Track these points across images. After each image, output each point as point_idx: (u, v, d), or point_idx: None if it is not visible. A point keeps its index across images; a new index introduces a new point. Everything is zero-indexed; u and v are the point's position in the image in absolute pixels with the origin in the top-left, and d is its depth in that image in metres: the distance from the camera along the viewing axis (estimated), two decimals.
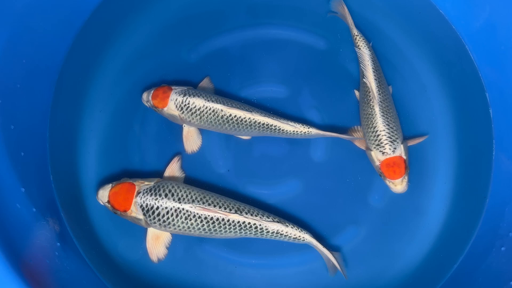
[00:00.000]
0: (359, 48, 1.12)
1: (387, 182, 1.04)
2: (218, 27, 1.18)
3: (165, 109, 1.05)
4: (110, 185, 1.00)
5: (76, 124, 1.12)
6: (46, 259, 0.94)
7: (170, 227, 0.98)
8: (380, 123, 1.04)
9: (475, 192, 1.09)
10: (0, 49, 0.96)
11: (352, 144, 1.09)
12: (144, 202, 0.97)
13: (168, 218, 0.97)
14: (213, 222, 0.97)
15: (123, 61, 1.16)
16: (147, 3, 1.19)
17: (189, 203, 0.97)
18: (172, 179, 1.05)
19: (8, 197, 0.93)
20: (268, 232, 0.98)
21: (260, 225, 0.98)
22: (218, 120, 1.04)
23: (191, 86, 1.09)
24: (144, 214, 0.97)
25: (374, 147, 1.04)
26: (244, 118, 1.04)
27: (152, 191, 0.98)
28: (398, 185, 1.03)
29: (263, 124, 1.04)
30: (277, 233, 0.99)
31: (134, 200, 0.97)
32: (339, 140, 1.08)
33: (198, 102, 1.04)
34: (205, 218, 0.97)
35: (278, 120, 1.04)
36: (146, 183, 0.99)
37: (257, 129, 1.05)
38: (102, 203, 1.00)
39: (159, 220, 0.97)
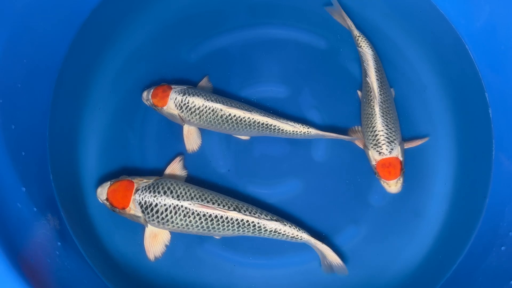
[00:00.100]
0: (362, 48, 1.11)
1: (382, 182, 1.04)
2: (218, 27, 1.18)
3: (165, 108, 1.05)
4: (109, 182, 1.00)
5: (76, 124, 1.12)
6: (47, 258, 0.94)
7: (168, 225, 0.98)
8: (379, 123, 1.04)
9: (475, 192, 1.09)
10: (0, 49, 0.97)
11: (353, 145, 1.09)
12: (142, 200, 0.97)
13: (166, 215, 0.96)
14: (212, 220, 0.97)
15: (123, 61, 1.16)
16: (147, 3, 1.19)
17: (188, 200, 0.97)
18: (173, 177, 1.05)
19: (9, 197, 0.93)
20: (266, 230, 0.98)
21: (258, 223, 0.98)
22: (218, 120, 1.04)
23: (191, 85, 1.09)
24: (142, 212, 0.97)
25: (372, 147, 1.04)
26: (244, 117, 1.04)
27: (151, 189, 0.97)
28: (392, 186, 1.03)
29: (263, 124, 1.04)
30: (275, 231, 0.99)
31: (132, 197, 0.97)
32: (339, 140, 1.08)
33: (197, 101, 1.04)
34: (204, 215, 0.97)
35: (278, 120, 1.04)
36: (145, 180, 0.99)
37: (256, 129, 1.05)
38: (101, 201, 1.00)
39: (157, 217, 0.97)
